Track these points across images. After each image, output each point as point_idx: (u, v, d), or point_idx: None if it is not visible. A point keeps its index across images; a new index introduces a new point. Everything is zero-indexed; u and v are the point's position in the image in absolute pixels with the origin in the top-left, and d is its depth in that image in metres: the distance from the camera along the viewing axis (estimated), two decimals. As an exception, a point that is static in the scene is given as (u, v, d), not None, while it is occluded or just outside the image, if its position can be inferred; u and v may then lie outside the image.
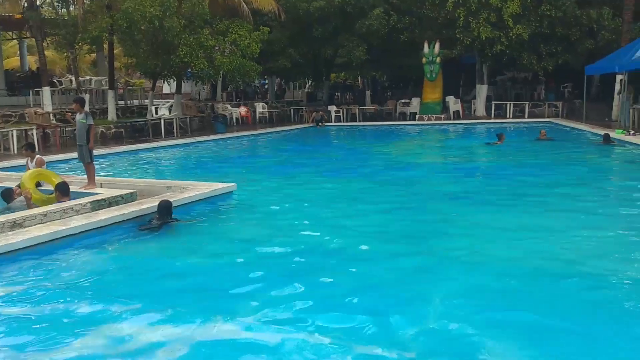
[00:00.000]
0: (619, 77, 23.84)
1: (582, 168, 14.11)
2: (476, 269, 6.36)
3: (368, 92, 35.13)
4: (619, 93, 23.62)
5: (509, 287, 5.82)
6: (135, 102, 32.19)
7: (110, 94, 25.48)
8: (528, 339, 4.57)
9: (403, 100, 32.05)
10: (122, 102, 30.48)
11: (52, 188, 9.94)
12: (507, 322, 4.92)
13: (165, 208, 8.76)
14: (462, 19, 27.34)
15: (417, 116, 29.79)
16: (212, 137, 23.26)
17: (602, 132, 19.10)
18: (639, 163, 14.56)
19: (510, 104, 30.00)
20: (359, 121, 30.59)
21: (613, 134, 18.53)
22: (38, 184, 10.22)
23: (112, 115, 25.14)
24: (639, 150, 16.11)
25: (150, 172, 15.41)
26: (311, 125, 28.90)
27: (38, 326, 4.98)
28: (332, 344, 4.46)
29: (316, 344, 4.49)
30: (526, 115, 28.91)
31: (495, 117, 29.37)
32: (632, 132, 19.13)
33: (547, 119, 27.38)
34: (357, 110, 31.56)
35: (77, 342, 4.60)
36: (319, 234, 8.27)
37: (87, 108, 12.44)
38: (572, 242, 7.32)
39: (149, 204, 9.20)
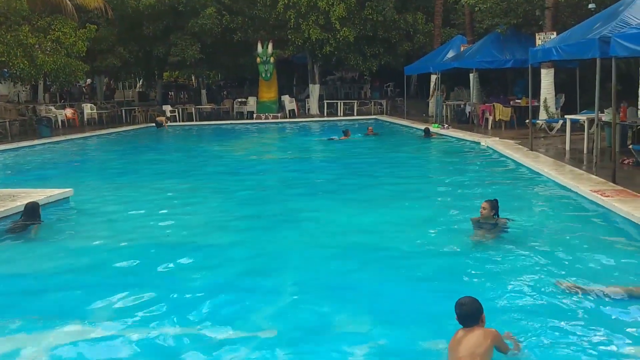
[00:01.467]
0: (433, 77, 26.43)
1: (410, 158, 15.79)
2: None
3: (204, 92, 34.89)
4: (434, 91, 26.25)
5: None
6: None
7: None
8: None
9: (240, 100, 32.37)
10: None
11: None
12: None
13: (31, 209, 8.56)
14: (292, 20, 28.34)
15: (254, 115, 30.29)
16: (36, 141, 21.61)
17: (422, 126, 21.16)
18: (454, 152, 16.47)
19: (340, 102, 31.77)
20: (196, 121, 30.31)
21: (431, 128, 20.65)
22: None
23: None
24: (453, 142, 18.28)
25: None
26: (149, 125, 28.07)
27: None
28: (187, 335, 4.63)
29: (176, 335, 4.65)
30: (355, 113, 30.81)
31: (328, 115, 30.90)
32: (446, 125, 21.46)
33: (374, 116, 29.47)
34: (193, 109, 31.23)
35: None
36: (162, 233, 8.34)
37: None
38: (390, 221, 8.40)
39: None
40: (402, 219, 8.59)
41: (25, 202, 9.36)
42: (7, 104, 28.45)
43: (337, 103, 31.77)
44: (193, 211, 9.76)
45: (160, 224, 8.84)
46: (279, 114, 30.22)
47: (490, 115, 20.28)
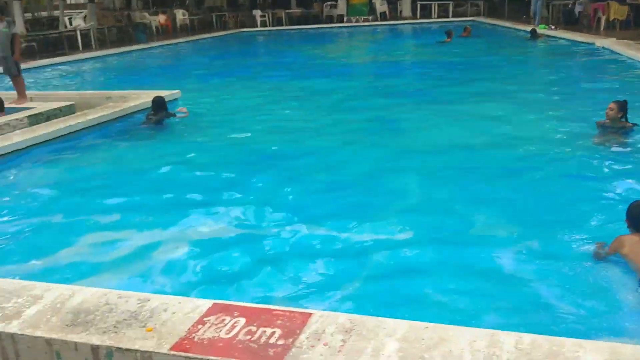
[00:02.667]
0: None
1: (518, 61, 14.83)
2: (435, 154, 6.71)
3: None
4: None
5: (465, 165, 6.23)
6: (44, 13, 29.72)
7: (16, 5, 23.37)
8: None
9: (329, 3, 31.39)
10: (29, 15, 28.08)
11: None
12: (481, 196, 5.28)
13: (160, 103, 8.99)
14: None
15: (344, 18, 29.38)
16: (134, 47, 22.09)
17: (527, 28, 19.69)
18: (566, 54, 15.26)
19: (434, 4, 30.07)
20: (285, 25, 29.83)
21: (537, 29, 19.17)
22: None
23: (20, 28, 23.18)
24: (564, 43, 16.95)
25: (78, 85, 14.59)
26: (236, 31, 27.95)
27: (7, 238, 4.80)
28: (320, 238, 4.56)
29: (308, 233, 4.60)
30: (450, 15, 29.15)
31: (421, 17, 29.44)
32: (553, 27, 19.86)
33: (471, 18, 27.76)
34: (283, 14, 30.68)
35: (57, 253, 4.46)
36: (272, 134, 8.29)
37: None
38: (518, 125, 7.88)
39: (95, 114, 8.82)
40: (517, 124, 8.07)
41: (137, 103, 9.62)
42: (104, 11, 29.05)
43: (430, 4, 30.11)
44: (290, 116, 9.66)
45: (261, 127, 8.80)
46: (370, 17, 29.12)
47: (603, 14, 18.52)
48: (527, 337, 2.46)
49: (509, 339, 2.45)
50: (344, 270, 3.78)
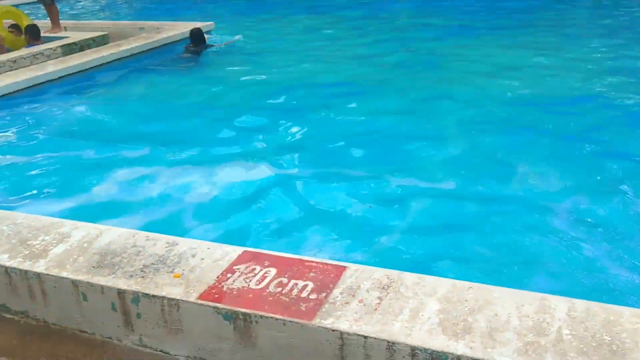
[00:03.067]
0: None
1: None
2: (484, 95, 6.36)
3: None
4: None
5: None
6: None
7: None
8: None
9: None
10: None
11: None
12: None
13: (198, 35, 8.96)
14: None
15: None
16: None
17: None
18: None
19: None
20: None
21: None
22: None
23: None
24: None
25: (112, 15, 14.36)
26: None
27: (39, 172, 4.74)
28: (355, 186, 4.36)
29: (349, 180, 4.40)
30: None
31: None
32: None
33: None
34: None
35: (86, 190, 4.39)
36: (316, 67, 8.00)
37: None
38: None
39: (129, 45, 8.64)
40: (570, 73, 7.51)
41: (170, 34, 9.39)
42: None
43: None
44: (328, 51, 9.29)
45: (298, 60, 8.50)
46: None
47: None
48: (581, 304, 2.26)
49: (560, 304, 2.26)
50: (379, 221, 3.59)
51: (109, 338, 2.70)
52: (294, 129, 5.58)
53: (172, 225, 3.64)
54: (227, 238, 3.40)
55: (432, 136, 5.20)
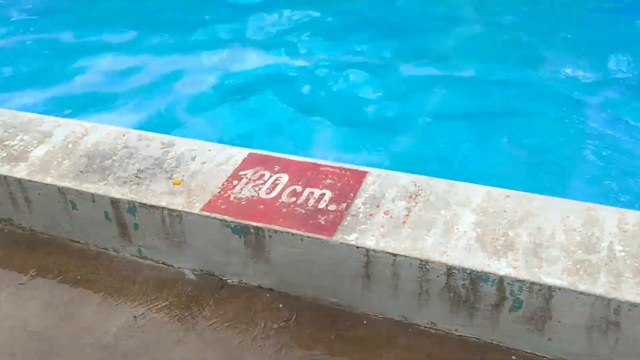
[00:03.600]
0: None
1: None
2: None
3: None
4: None
5: None
6: None
7: None
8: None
9: None
10: None
11: None
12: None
13: None
14: None
15: None
16: None
17: None
18: None
19: None
20: None
21: None
22: None
23: None
24: None
25: None
26: None
27: (12, 58, 4.26)
28: (374, 67, 3.93)
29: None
30: None
31: None
32: None
33: None
34: None
35: (65, 81, 3.93)
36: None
37: None
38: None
39: None
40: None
41: None
42: None
43: None
44: None
45: None
46: None
47: None
48: (632, 216, 2.03)
49: (609, 216, 2.02)
50: (396, 116, 3.22)
51: (104, 249, 2.46)
52: (297, 8, 4.95)
53: (164, 121, 3.27)
54: (226, 137, 3.06)
55: (448, 16, 4.65)
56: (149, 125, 2.94)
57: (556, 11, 4.53)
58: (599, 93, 3.36)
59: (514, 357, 1.92)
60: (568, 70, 3.61)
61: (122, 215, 2.31)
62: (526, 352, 1.93)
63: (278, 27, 4.47)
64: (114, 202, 2.29)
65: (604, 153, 2.85)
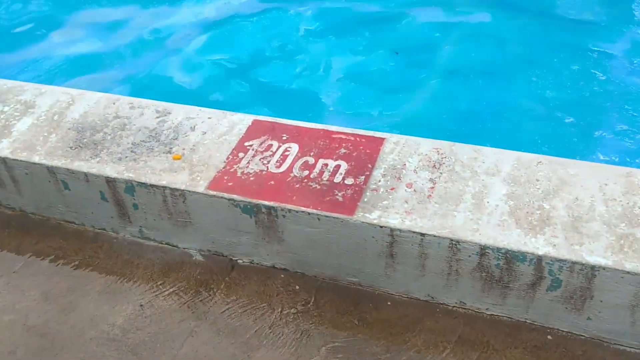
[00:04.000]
0: None
1: None
2: None
3: None
4: None
5: None
6: None
7: None
8: None
9: None
10: None
11: None
12: None
13: None
14: None
15: None
16: None
17: None
18: None
19: None
20: None
21: None
22: None
23: None
24: None
25: None
26: None
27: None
28: (379, 19, 3.63)
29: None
30: None
31: None
32: None
33: None
34: None
35: (41, 42, 3.61)
36: None
37: None
38: None
39: None
40: None
41: None
42: None
43: None
44: None
45: None
46: None
47: None
48: (676, 180, 1.87)
49: (651, 182, 1.87)
50: (406, 72, 2.95)
51: (102, 229, 2.29)
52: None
53: (155, 83, 2.99)
54: (225, 101, 2.80)
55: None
56: (139, 88, 2.68)
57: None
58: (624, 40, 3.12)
59: (549, 337, 1.81)
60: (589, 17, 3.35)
61: (120, 195, 2.12)
62: (562, 330, 1.81)
63: None
64: (110, 182, 2.10)
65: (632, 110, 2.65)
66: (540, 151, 2.11)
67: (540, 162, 1.97)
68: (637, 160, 2.30)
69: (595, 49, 3.00)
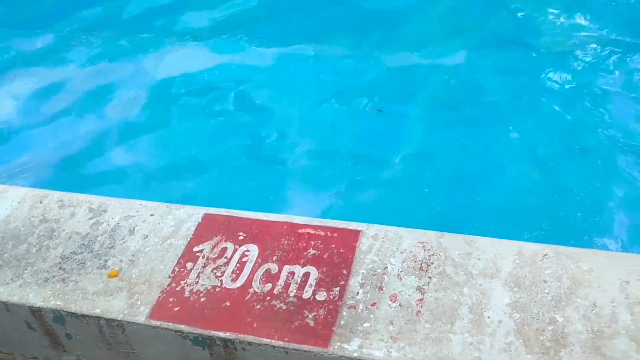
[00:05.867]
0: None
1: None
2: None
3: None
4: None
5: None
6: None
7: None
8: None
9: None
10: None
11: None
12: None
13: None
14: None
15: None
16: None
17: None
18: None
19: None
20: None
21: None
22: None
23: None
24: None
25: None
26: None
27: None
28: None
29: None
30: None
31: None
32: None
33: None
34: None
35: None
36: None
37: None
38: None
39: None
40: None
41: None
42: None
43: None
44: None
45: None
46: None
47: None
48: None
49: (680, 274, 1.56)
50: (380, 150, 2.49)
51: (35, 358, 1.93)
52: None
53: (85, 161, 2.54)
54: (172, 188, 2.36)
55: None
56: (70, 180, 2.30)
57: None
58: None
59: None
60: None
61: (49, 324, 1.77)
62: None
63: (222, 15, 3.71)
64: (35, 312, 1.74)
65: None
66: (541, 230, 1.79)
67: (546, 254, 1.65)
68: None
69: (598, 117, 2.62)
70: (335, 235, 1.79)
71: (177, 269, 1.75)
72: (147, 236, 1.87)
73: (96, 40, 3.49)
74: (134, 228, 1.90)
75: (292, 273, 1.69)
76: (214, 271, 1.73)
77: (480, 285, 1.60)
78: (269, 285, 1.67)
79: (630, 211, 2.11)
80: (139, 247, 1.83)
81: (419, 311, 1.55)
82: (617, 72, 2.96)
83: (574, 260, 1.63)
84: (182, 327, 1.60)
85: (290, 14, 3.67)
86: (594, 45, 3.02)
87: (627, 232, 2.04)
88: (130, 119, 2.78)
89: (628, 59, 2.91)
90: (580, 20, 3.38)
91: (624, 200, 2.15)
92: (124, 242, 1.86)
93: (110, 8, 3.80)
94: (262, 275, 1.70)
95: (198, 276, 1.72)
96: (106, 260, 1.81)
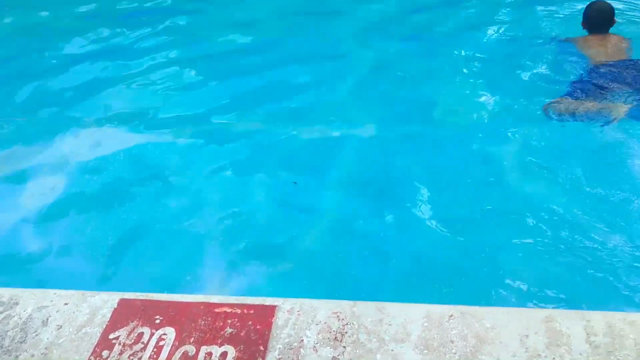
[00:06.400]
0: None
1: None
2: None
3: None
4: None
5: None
6: None
7: None
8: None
9: None
10: None
11: None
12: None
13: None
14: None
15: None
16: None
17: None
18: None
19: None
20: None
21: None
22: None
23: None
24: None
25: None
26: None
27: None
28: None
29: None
30: None
31: None
32: None
33: None
34: None
35: None
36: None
37: None
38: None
39: None
40: None
41: None
42: None
43: None
44: None
45: None
46: None
47: None
48: (599, 321, 1.70)
49: (573, 326, 1.68)
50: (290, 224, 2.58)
51: None
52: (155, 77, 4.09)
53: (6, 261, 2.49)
54: (87, 274, 2.33)
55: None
56: None
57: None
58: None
59: None
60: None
61: None
62: None
63: (123, 103, 3.75)
64: (-63, 417, 1.65)
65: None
66: (450, 287, 1.89)
67: (451, 315, 1.74)
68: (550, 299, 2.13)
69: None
70: (252, 312, 1.82)
71: (92, 359, 1.72)
72: (61, 326, 1.83)
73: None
74: (47, 319, 1.86)
75: (210, 354, 1.70)
76: (131, 357, 1.71)
77: (392, 350, 1.66)
78: (186, 369, 1.66)
79: (527, 266, 2.28)
80: (52, 339, 1.79)
81: (335, 382, 1.59)
82: (517, 136, 3.19)
83: (478, 319, 1.72)
84: (97, 420, 1.56)
85: (206, 86, 3.80)
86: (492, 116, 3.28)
87: (526, 286, 2.19)
88: (47, 205, 2.75)
89: (525, 126, 3.16)
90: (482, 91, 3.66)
91: (524, 257, 2.32)
92: (36, 335, 1.81)
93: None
94: (180, 358, 1.69)
95: (114, 365, 1.70)
96: (17, 356, 1.75)
